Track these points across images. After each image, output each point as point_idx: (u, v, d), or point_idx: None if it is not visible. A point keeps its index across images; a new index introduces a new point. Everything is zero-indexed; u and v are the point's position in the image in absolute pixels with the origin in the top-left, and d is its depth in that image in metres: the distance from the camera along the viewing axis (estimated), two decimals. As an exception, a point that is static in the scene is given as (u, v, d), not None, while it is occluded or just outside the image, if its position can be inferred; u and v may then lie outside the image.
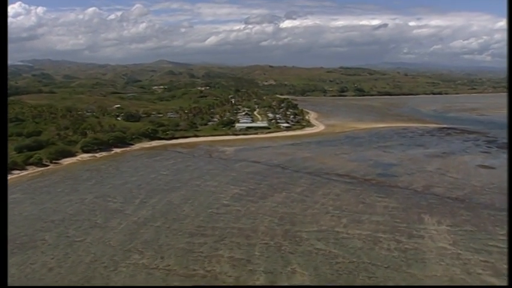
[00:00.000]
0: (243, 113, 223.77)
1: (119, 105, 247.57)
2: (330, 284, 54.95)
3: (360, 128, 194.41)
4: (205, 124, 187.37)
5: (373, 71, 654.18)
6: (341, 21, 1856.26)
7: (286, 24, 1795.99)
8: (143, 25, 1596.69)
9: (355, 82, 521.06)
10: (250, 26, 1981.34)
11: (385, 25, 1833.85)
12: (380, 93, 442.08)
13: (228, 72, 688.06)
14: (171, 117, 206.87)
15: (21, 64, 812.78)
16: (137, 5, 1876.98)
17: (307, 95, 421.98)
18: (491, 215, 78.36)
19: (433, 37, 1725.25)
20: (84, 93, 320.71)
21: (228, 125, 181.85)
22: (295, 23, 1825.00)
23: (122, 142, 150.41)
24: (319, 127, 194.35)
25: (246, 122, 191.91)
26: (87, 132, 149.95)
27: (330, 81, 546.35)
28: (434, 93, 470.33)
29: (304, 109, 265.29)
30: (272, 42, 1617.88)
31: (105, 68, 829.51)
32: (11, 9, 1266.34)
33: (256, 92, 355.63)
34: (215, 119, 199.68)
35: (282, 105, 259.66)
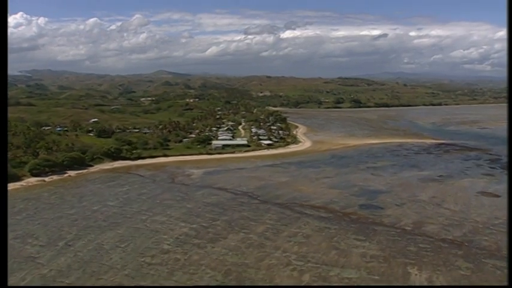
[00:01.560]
0: (225, 128, 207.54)
1: (96, 119, 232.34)
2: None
3: (349, 144, 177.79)
4: (180, 141, 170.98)
5: (371, 81, 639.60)
6: (341, 32, 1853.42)
7: (287, 34, 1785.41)
8: (143, 35, 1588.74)
9: (352, 93, 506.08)
10: (250, 37, 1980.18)
11: (385, 35, 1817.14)
12: (377, 105, 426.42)
13: (225, 83, 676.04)
14: (146, 132, 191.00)
15: (20, 74, 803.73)
16: (137, 16, 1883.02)
17: (301, 107, 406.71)
18: (497, 267, 61.22)
19: (434, 47, 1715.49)
20: (66, 105, 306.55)
21: (204, 143, 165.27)
22: (296, 33, 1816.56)
23: (80, 163, 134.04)
24: (305, 144, 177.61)
25: (225, 139, 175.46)
26: (40, 152, 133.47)
27: (327, 92, 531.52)
28: (433, 104, 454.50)
29: (293, 123, 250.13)
30: (272, 53, 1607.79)
31: (103, 78, 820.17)
32: (13, 19, 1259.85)
33: (246, 104, 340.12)
34: (193, 135, 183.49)
35: (270, 118, 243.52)
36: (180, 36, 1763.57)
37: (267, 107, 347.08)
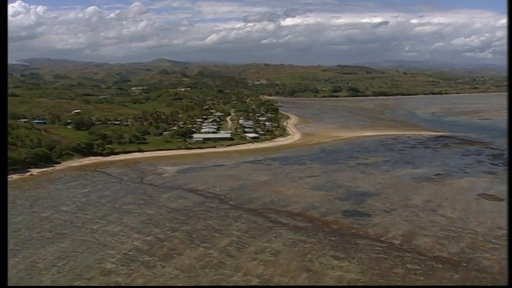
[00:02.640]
0: (211, 120, 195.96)
1: (79, 110, 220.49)
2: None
3: (341, 137, 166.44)
4: (161, 134, 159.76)
5: (370, 69, 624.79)
6: (342, 19, 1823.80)
7: (287, 22, 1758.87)
8: (143, 23, 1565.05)
9: (351, 81, 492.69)
10: (250, 24, 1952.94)
11: (386, 23, 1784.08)
12: (375, 94, 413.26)
13: (223, 71, 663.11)
14: (127, 125, 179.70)
15: (17, 63, 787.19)
16: (136, 3, 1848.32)
17: (296, 96, 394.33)
18: (500, 297, 50.55)
19: (435, 34, 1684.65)
20: (52, 95, 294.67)
21: (184, 136, 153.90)
22: (296, 20, 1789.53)
23: (46, 160, 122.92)
24: (294, 137, 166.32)
25: (208, 132, 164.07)
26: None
27: (325, 80, 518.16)
28: (433, 93, 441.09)
29: (286, 113, 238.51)
30: (273, 41, 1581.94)
31: (101, 67, 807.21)
32: (11, 8, 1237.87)
33: (238, 94, 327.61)
34: (175, 128, 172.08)
35: (261, 109, 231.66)
36: (179, 24, 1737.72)
37: (260, 96, 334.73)
